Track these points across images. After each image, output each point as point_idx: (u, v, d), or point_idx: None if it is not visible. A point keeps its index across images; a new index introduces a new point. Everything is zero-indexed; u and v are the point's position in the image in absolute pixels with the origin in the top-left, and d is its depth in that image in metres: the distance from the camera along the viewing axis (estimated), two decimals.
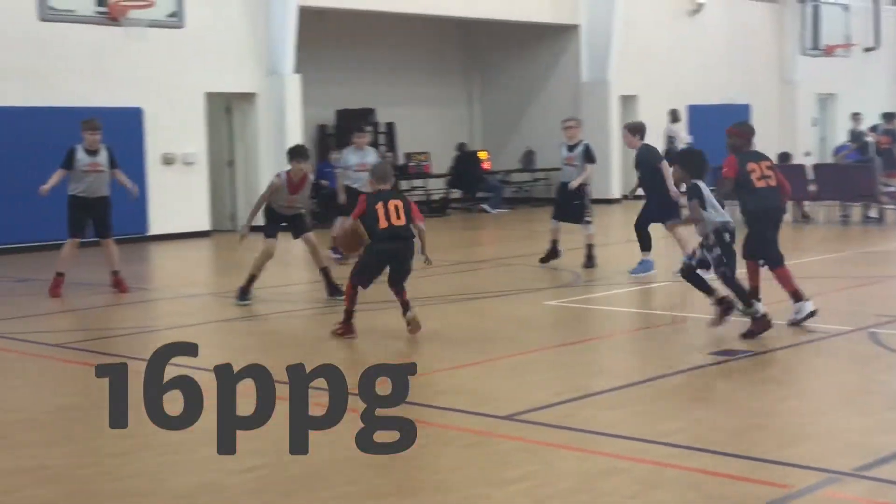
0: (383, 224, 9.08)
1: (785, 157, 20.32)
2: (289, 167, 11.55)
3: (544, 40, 25.68)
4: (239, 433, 6.34)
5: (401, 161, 23.50)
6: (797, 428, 6.21)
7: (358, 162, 14.75)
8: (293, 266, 14.94)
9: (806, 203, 19.22)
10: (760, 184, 9.65)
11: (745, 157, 9.96)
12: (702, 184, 9.14)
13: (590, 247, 13.83)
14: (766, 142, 27.08)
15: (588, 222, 13.86)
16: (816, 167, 19.68)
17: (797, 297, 9.43)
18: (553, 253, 13.93)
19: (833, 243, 16.32)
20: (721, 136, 20.65)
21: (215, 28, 19.37)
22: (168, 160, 18.80)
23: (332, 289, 11.55)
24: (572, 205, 14.02)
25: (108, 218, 12.82)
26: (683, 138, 23.23)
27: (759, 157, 10.03)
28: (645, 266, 13.03)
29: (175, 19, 18.52)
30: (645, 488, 5.22)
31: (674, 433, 6.10)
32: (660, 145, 24.35)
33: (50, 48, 17.50)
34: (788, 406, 6.70)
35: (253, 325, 10.68)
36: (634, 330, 9.65)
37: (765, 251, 9.53)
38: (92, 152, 12.86)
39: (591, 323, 10.10)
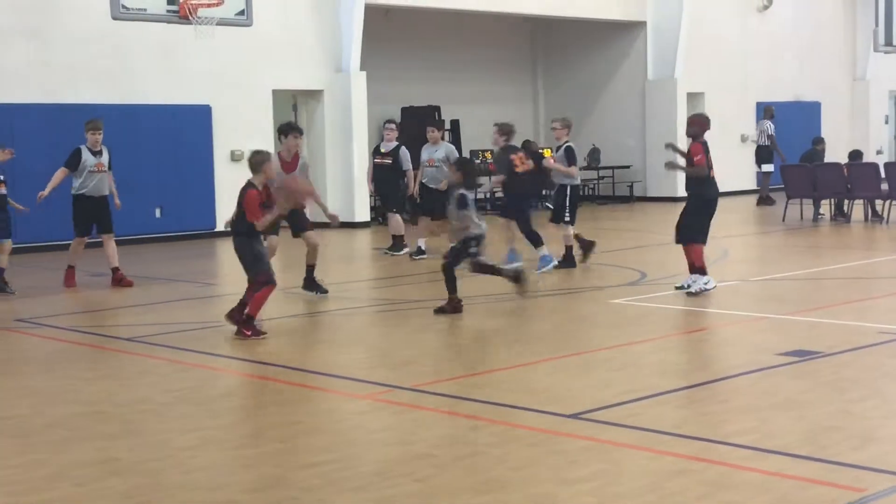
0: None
1: (856, 155, 19.98)
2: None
3: (611, 37, 25.52)
4: (306, 430, 6.41)
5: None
6: (871, 430, 6.09)
7: (427, 157, 14.88)
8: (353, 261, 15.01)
9: (878, 202, 18.87)
10: (713, 173, 11.08)
11: (705, 146, 11.04)
12: (469, 193, 10.20)
13: (568, 248, 13.71)
14: (837, 140, 26.80)
15: (567, 222, 13.65)
16: (888, 166, 19.30)
17: (703, 272, 11.06)
18: (586, 246, 13.84)
19: None
20: (792, 134, 20.71)
21: (282, 26, 19.54)
22: (236, 157, 19.00)
23: (311, 284, 11.74)
24: (555, 204, 13.99)
25: (110, 216, 13.23)
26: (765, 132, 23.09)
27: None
28: (544, 261, 13.25)
29: (243, 17, 18.68)
30: (714, 490, 5.15)
31: (743, 434, 6.02)
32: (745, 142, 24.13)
33: (122, 46, 17.80)
34: (861, 408, 6.57)
35: (315, 320, 10.75)
36: (700, 329, 9.55)
37: (703, 234, 11.20)
38: (96, 153, 13.11)
39: (657, 322, 10.00)
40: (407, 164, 15.51)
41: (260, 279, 9.38)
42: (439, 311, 10.22)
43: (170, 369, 8.34)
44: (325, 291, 11.79)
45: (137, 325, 10.45)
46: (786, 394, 6.98)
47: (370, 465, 5.68)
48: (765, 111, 23.61)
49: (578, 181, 14.15)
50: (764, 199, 22.94)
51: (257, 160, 9.35)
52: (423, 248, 15.03)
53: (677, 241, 11.43)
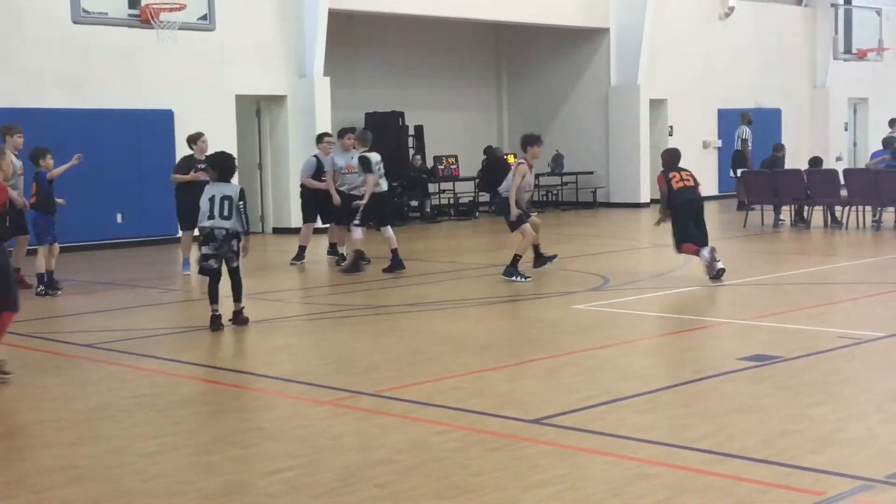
0: None
1: (816, 161, 20.18)
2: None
3: (574, 44, 25.65)
4: (268, 436, 6.39)
5: (430, 164, 23.50)
6: (829, 434, 6.15)
7: (345, 164, 14.88)
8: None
9: (837, 208, 19.08)
10: (678, 186, 12.97)
11: (667, 170, 13.38)
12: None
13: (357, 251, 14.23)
14: (798, 146, 27.07)
15: (357, 225, 14.01)
16: (847, 172, 19.53)
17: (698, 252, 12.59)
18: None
19: (865, 248, 16.19)
20: (753, 140, 20.94)
21: (245, 31, 19.48)
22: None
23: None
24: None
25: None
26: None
27: (681, 168, 13.36)
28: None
29: (206, 22, 18.59)
30: (675, 494, 5.19)
31: (704, 438, 6.07)
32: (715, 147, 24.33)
33: (83, 51, 17.66)
34: (820, 412, 6.64)
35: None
36: (663, 334, 9.61)
37: (689, 235, 12.85)
38: (17, 156, 13.07)
39: (620, 327, 10.06)
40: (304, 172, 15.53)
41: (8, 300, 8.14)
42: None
43: (130, 375, 8.28)
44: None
45: (97, 331, 10.37)
46: (745, 398, 7.04)
47: (333, 471, 5.67)
48: (742, 117, 23.77)
49: (383, 188, 14.33)
50: (743, 204, 22.97)
51: None
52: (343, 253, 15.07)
53: (676, 250, 13.22)
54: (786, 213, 19.88)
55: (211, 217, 9.88)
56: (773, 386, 7.39)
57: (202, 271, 10.18)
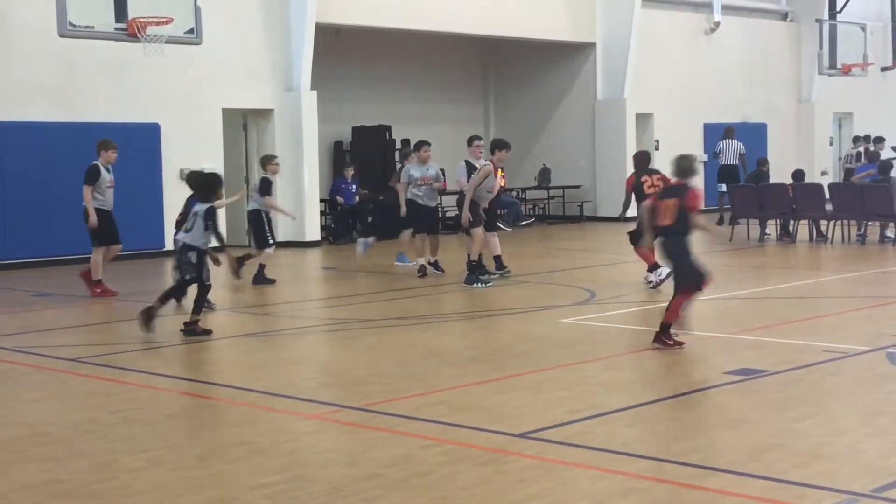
0: (665, 221, 9.28)
1: (799, 175, 20.26)
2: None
3: (561, 58, 25.72)
4: (255, 450, 6.37)
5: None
6: (813, 448, 6.17)
7: (421, 175, 14.84)
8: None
9: (823, 222, 19.16)
10: (650, 191, 12.94)
11: (639, 173, 13.44)
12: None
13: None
14: (783, 161, 27.16)
15: (270, 244, 14.45)
16: (833, 186, 19.62)
17: (655, 266, 12.79)
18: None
19: (850, 263, 16.24)
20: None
21: (232, 44, 19.48)
22: (185, 176, 18.85)
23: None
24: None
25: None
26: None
27: (652, 171, 13.51)
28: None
29: (192, 36, 18.60)
30: None
31: (690, 453, 6.07)
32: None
33: (69, 64, 17.63)
34: (805, 426, 6.66)
35: (257, 341, 10.70)
36: (650, 348, 9.62)
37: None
38: (109, 169, 13.62)
39: (607, 341, 10.07)
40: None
41: None
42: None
43: (115, 390, 8.25)
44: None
45: (83, 345, 10.33)
46: (732, 412, 7.05)
47: (319, 486, 5.65)
48: (727, 132, 23.76)
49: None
50: (720, 220, 23.02)
51: None
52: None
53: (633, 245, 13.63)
54: (771, 228, 19.94)
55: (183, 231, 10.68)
56: (760, 400, 7.40)
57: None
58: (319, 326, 11.38)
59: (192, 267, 10.49)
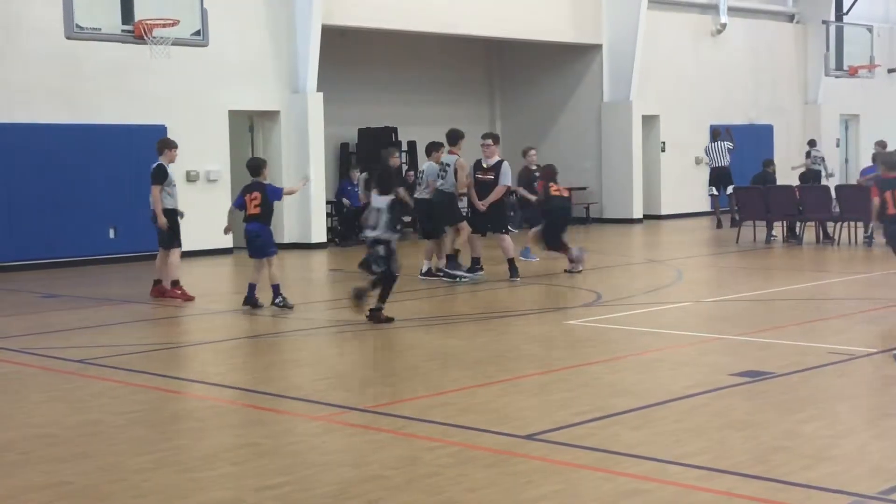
0: (891, 210, 11.12)
1: (806, 177, 20.23)
2: None
3: (567, 60, 25.72)
4: (261, 452, 6.38)
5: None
6: (820, 450, 6.16)
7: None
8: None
9: (829, 224, 19.13)
10: (555, 193, 15.29)
11: (546, 180, 15.53)
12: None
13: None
14: (790, 162, 27.13)
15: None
16: (839, 188, 19.59)
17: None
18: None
19: (857, 264, 16.22)
20: (745, 156, 21.13)
21: (239, 46, 19.50)
22: (191, 177, 18.91)
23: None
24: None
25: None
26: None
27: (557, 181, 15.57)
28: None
29: (199, 38, 18.61)
30: None
31: (696, 454, 6.07)
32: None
33: (76, 66, 17.67)
34: (811, 428, 6.65)
35: (279, 340, 10.72)
36: (655, 350, 9.62)
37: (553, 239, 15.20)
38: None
39: (613, 343, 10.07)
40: (507, 179, 14.91)
41: None
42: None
43: (123, 391, 8.26)
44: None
45: (90, 346, 10.35)
46: (738, 414, 7.05)
47: (325, 487, 5.66)
48: (715, 134, 23.71)
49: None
50: (735, 221, 22.94)
51: None
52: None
53: (545, 247, 15.52)
54: (777, 230, 19.92)
55: (369, 227, 11.08)
56: (766, 402, 7.40)
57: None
58: (326, 328, 11.39)
59: (382, 260, 10.93)
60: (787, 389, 7.76)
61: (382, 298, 11.04)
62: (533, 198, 16.46)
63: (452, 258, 14.75)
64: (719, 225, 22.75)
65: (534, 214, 16.46)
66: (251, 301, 12.28)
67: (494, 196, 14.63)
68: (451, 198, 14.68)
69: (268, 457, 6.27)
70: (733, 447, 6.25)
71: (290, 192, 13.71)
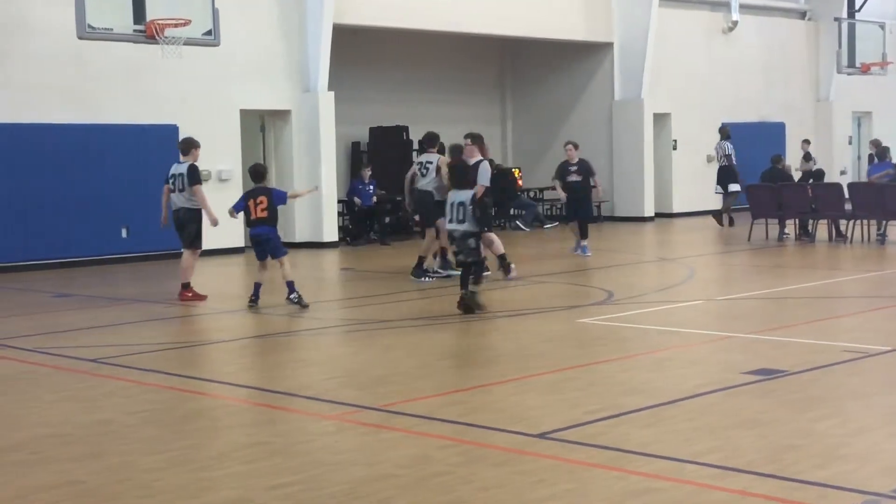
0: None
1: (819, 174, 20.17)
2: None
3: (578, 58, 25.69)
4: (272, 451, 6.38)
5: None
6: (834, 448, 6.13)
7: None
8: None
9: (842, 221, 19.06)
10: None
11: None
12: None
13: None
14: (801, 160, 27.01)
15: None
16: (851, 186, 19.52)
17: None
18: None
19: (870, 262, 16.16)
20: (757, 154, 20.95)
21: (250, 46, 19.52)
22: (203, 177, 18.85)
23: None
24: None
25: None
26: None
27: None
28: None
29: (210, 37, 18.63)
30: None
31: (709, 453, 6.05)
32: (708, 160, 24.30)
33: (88, 66, 17.71)
34: (825, 426, 6.62)
35: (287, 340, 10.72)
36: (668, 349, 9.60)
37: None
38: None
39: (624, 341, 10.05)
40: (484, 179, 14.40)
41: None
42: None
43: (135, 391, 8.28)
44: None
45: (102, 346, 10.37)
46: (750, 412, 7.02)
47: (336, 486, 5.65)
48: (721, 131, 23.59)
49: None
50: (730, 220, 22.91)
51: None
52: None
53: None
54: (790, 227, 19.85)
55: (450, 221, 11.50)
56: (779, 400, 7.37)
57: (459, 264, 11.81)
58: (337, 327, 11.40)
59: (474, 251, 11.46)
60: (800, 388, 7.73)
61: (477, 283, 11.57)
62: (563, 194, 17.21)
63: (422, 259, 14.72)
64: (731, 223, 22.68)
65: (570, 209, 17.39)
66: (254, 298, 12.43)
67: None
68: (430, 196, 14.67)
69: (279, 456, 6.28)
70: (746, 446, 6.23)
71: (295, 197, 13.77)
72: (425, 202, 14.75)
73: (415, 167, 15.26)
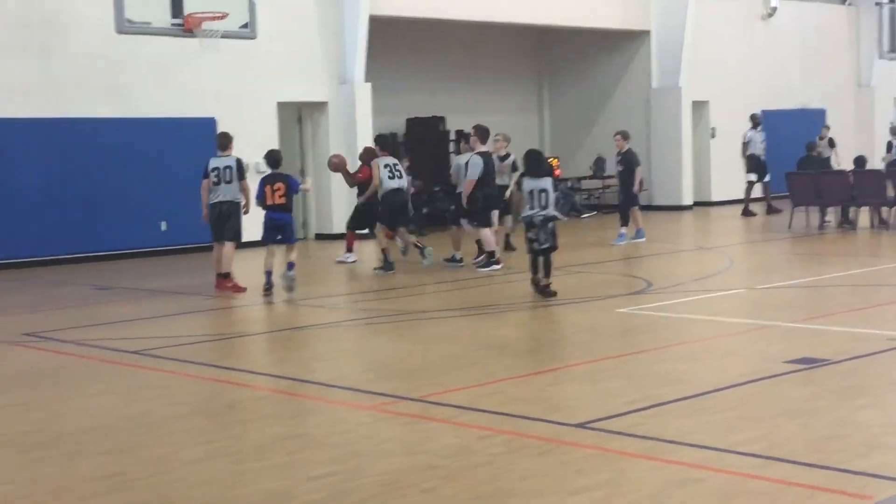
0: None
1: (860, 161, 19.94)
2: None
3: (615, 47, 25.55)
4: (311, 442, 6.40)
5: None
6: (876, 438, 6.06)
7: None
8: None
9: (884, 209, 18.83)
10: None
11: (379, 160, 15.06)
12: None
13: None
14: (842, 147, 26.76)
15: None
16: (892, 171, 19.27)
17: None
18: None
19: None
20: (798, 141, 20.54)
21: (287, 38, 19.58)
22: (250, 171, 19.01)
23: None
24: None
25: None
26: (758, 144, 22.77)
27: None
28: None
29: (247, 30, 18.74)
30: (721, 499, 5.13)
31: (749, 443, 6.00)
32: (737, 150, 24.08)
33: (127, 60, 17.85)
34: (867, 415, 6.55)
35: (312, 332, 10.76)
36: (707, 338, 9.53)
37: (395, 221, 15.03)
38: None
39: (663, 331, 9.99)
40: (473, 173, 14.68)
41: None
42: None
43: (175, 382, 8.34)
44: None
45: (143, 338, 10.46)
46: (792, 402, 6.96)
47: (376, 477, 5.66)
48: (750, 119, 23.26)
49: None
50: (747, 211, 22.63)
51: None
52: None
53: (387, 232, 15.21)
54: (831, 215, 19.65)
55: (532, 207, 11.61)
56: (821, 389, 7.30)
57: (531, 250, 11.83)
58: (375, 318, 11.41)
59: (553, 237, 11.64)
60: (843, 377, 7.65)
61: (549, 273, 11.75)
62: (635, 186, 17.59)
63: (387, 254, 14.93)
64: (770, 210, 22.48)
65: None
66: (270, 285, 12.73)
67: (464, 191, 14.59)
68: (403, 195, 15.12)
69: (318, 447, 6.30)
70: (787, 435, 6.17)
71: (304, 190, 13.86)
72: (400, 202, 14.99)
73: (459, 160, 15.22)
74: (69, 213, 17.51)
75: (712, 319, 10.35)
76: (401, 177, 15.02)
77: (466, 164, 14.57)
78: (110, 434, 6.78)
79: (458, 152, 23.23)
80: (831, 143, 24.46)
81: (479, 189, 14.56)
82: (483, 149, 14.80)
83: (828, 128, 25.95)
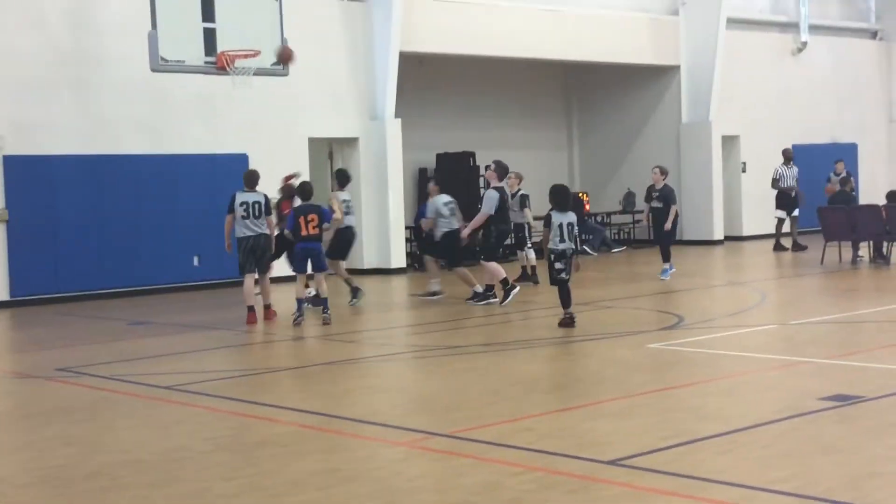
0: None
1: (893, 196, 19.79)
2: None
3: (644, 81, 25.58)
4: (344, 478, 6.40)
5: None
6: None
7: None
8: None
9: None
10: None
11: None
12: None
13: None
14: (875, 181, 26.66)
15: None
16: None
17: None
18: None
19: None
20: (828, 175, 20.14)
21: (318, 75, 19.74)
22: (273, 205, 19.12)
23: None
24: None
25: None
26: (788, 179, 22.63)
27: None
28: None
29: (279, 67, 18.86)
30: None
31: (785, 480, 5.95)
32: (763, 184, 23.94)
33: (161, 98, 18.06)
34: None
35: (347, 368, 10.78)
36: (741, 374, 9.47)
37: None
38: None
39: (696, 366, 9.93)
40: (488, 207, 14.95)
41: None
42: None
43: (208, 417, 8.37)
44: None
45: (175, 373, 10.51)
46: (828, 439, 6.90)
47: None
48: (782, 153, 23.08)
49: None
50: (778, 245, 22.50)
51: None
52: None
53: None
54: (864, 250, 19.51)
55: (563, 240, 11.97)
56: (857, 426, 7.23)
57: (553, 282, 12.19)
58: (406, 353, 11.43)
59: (571, 269, 12.13)
60: (879, 413, 7.58)
61: (569, 304, 12.16)
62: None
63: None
64: (796, 247, 22.22)
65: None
66: (302, 313, 13.26)
67: (474, 223, 14.96)
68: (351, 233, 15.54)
69: (351, 482, 6.30)
70: (824, 473, 6.12)
71: (335, 221, 14.30)
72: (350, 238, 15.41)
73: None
74: (103, 248, 17.66)
75: (745, 355, 10.29)
76: (352, 214, 15.63)
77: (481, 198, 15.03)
78: (145, 469, 6.81)
79: (487, 187, 23.36)
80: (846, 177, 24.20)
81: (493, 223, 14.76)
82: (499, 184, 15.02)
83: (841, 161, 25.61)
